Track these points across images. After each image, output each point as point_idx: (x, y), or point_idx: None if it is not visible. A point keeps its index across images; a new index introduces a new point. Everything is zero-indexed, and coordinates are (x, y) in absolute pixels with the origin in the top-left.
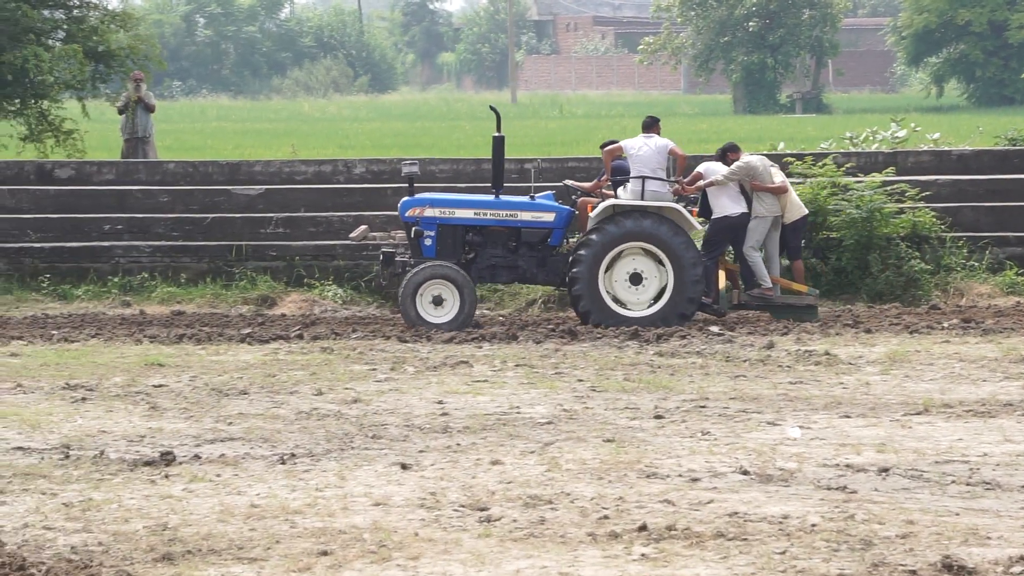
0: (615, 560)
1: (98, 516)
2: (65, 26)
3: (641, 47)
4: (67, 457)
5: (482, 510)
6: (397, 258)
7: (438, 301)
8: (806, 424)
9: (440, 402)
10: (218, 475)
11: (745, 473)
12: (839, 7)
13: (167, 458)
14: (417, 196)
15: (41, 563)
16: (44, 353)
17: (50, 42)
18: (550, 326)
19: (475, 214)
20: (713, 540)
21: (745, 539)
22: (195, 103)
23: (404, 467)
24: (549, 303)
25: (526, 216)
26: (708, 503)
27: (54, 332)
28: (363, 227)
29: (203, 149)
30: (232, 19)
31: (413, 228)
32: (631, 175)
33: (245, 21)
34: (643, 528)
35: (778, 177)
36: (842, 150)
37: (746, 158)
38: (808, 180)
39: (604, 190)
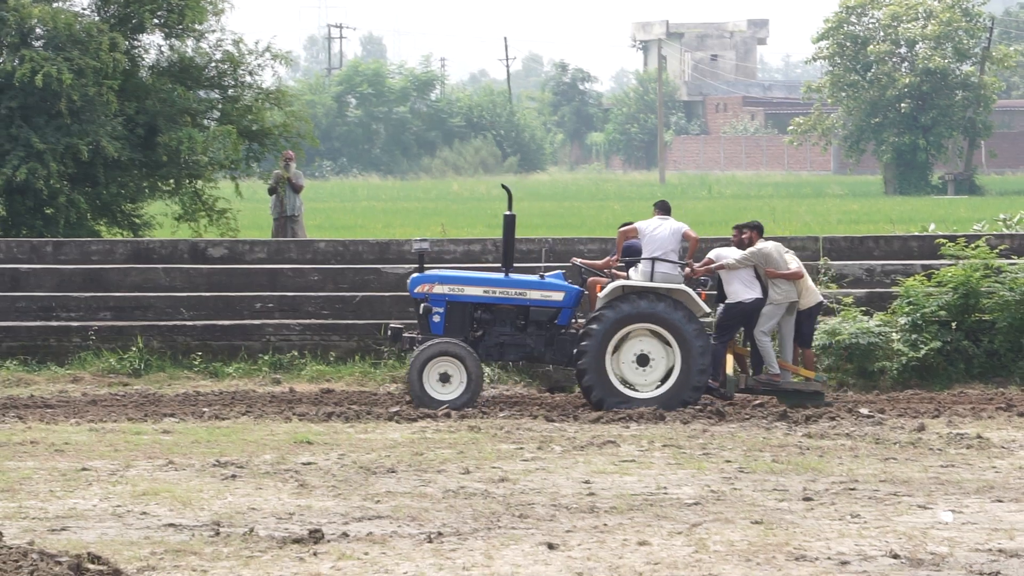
0: None
1: None
2: (220, 106)
3: (791, 127)
4: (217, 534)
5: None
6: (405, 334)
7: (444, 378)
8: (958, 508)
9: (587, 482)
10: (366, 553)
11: (895, 557)
12: (992, 88)
13: (315, 536)
14: (427, 272)
15: None
16: (195, 430)
17: (205, 122)
18: (697, 407)
19: (484, 292)
20: None
21: None
22: (345, 182)
23: (551, 547)
24: None
25: (535, 295)
26: None
27: (205, 409)
28: None
29: (353, 228)
30: (383, 100)
31: (422, 304)
32: (643, 255)
33: (396, 102)
34: None
35: (793, 263)
36: (995, 232)
37: (760, 244)
38: (960, 262)
39: (615, 270)
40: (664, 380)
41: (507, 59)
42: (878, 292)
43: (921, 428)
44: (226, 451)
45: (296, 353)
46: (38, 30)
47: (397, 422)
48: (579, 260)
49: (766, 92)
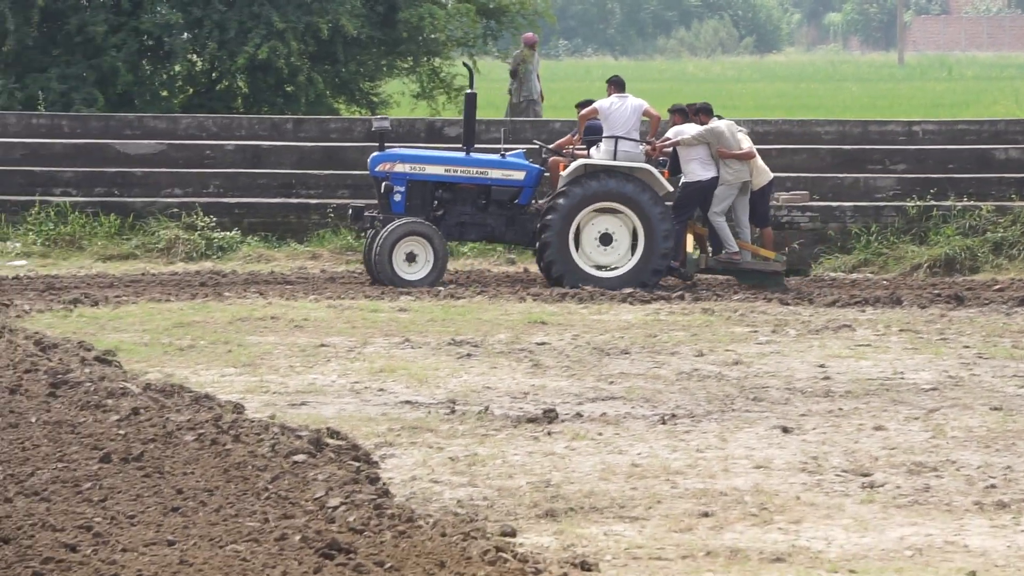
0: (1003, 531)
1: (483, 471)
2: None
3: None
4: (453, 412)
5: (865, 476)
6: (366, 213)
7: (411, 258)
8: None
9: (822, 366)
10: (599, 434)
11: None
12: None
13: (550, 415)
14: (387, 151)
15: (428, 515)
16: (431, 309)
17: (443, 0)
18: (935, 291)
19: (445, 171)
20: None
21: None
22: (580, 62)
23: (785, 430)
24: (935, 268)
25: (496, 174)
26: None
27: (440, 288)
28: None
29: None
30: None
31: (383, 183)
32: (604, 135)
33: None
34: None
35: (745, 143)
36: None
37: (714, 123)
38: None
39: (575, 150)
40: (625, 259)
41: None
42: None
43: None
44: (461, 330)
45: None
46: None
47: (631, 304)
48: (539, 142)
49: None
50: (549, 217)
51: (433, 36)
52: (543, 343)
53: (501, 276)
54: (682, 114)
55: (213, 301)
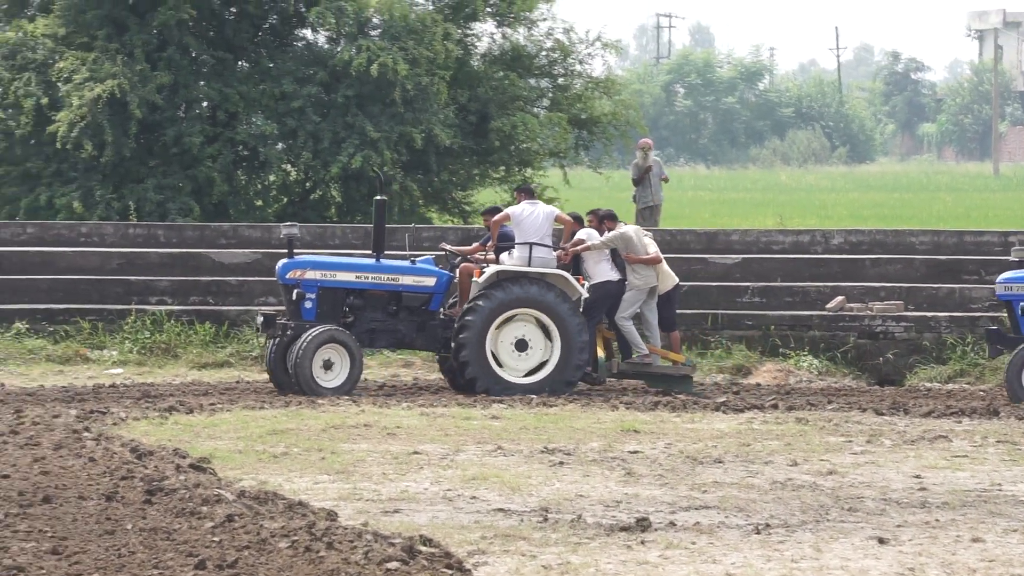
0: None
1: None
2: (550, 94)
3: None
4: (545, 520)
5: None
6: (279, 320)
7: (328, 365)
8: None
9: (918, 476)
10: (693, 543)
11: None
12: None
13: (643, 524)
14: (298, 258)
15: None
16: (523, 417)
17: (535, 110)
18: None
19: (356, 277)
20: None
21: None
22: (672, 172)
23: (881, 541)
24: None
25: (407, 280)
26: None
27: (533, 397)
28: (840, 298)
29: (679, 218)
30: (711, 89)
31: (295, 291)
32: (517, 241)
33: (724, 91)
34: None
35: (652, 248)
36: None
37: (622, 228)
38: None
39: (485, 256)
40: (542, 364)
41: (837, 48)
42: None
43: None
44: (554, 438)
45: None
46: (374, 20)
47: (723, 412)
48: (448, 246)
49: None
50: (468, 319)
51: (525, 146)
52: (636, 451)
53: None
54: (579, 221)
55: (306, 408)
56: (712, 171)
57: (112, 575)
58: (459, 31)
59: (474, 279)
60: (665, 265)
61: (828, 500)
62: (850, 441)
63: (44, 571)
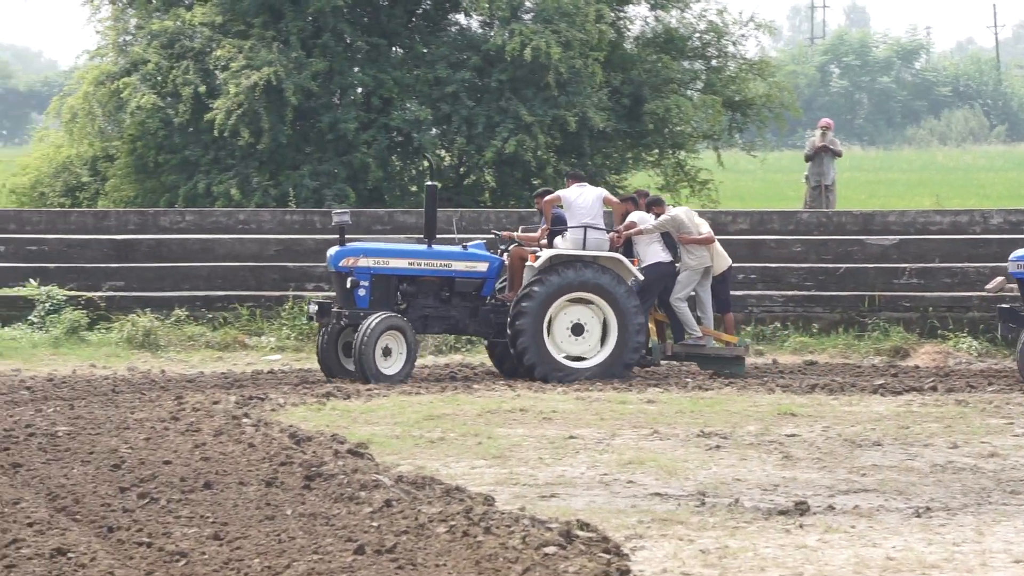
0: None
1: (734, 564)
2: (703, 76)
3: None
4: (703, 504)
5: None
6: (334, 309)
7: (387, 352)
8: None
9: None
10: (852, 527)
11: None
12: None
13: (801, 508)
14: (350, 246)
15: None
16: (679, 401)
17: (688, 93)
18: None
19: (409, 264)
20: None
21: None
22: None
23: None
24: None
25: (460, 266)
26: None
27: (688, 380)
28: (999, 279)
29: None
30: (867, 69)
31: (348, 278)
32: (570, 224)
33: (880, 71)
34: None
35: (704, 228)
36: None
37: (672, 211)
38: None
39: (540, 240)
40: (599, 349)
41: (996, 26)
42: None
43: None
44: (710, 421)
45: (778, 324)
46: (527, 3)
47: (882, 395)
48: (516, 233)
49: None
50: (524, 304)
51: (678, 128)
52: (793, 435)
53: (750, 367)
54: (632, 202)
55: (462, 394)
56: (868, 152)
57: (272, 560)
58: (612, 13)
59: (528, 263)
60: (719, 246)
61: (990, 483)
62: (1011, 423)
63: (206, 556)
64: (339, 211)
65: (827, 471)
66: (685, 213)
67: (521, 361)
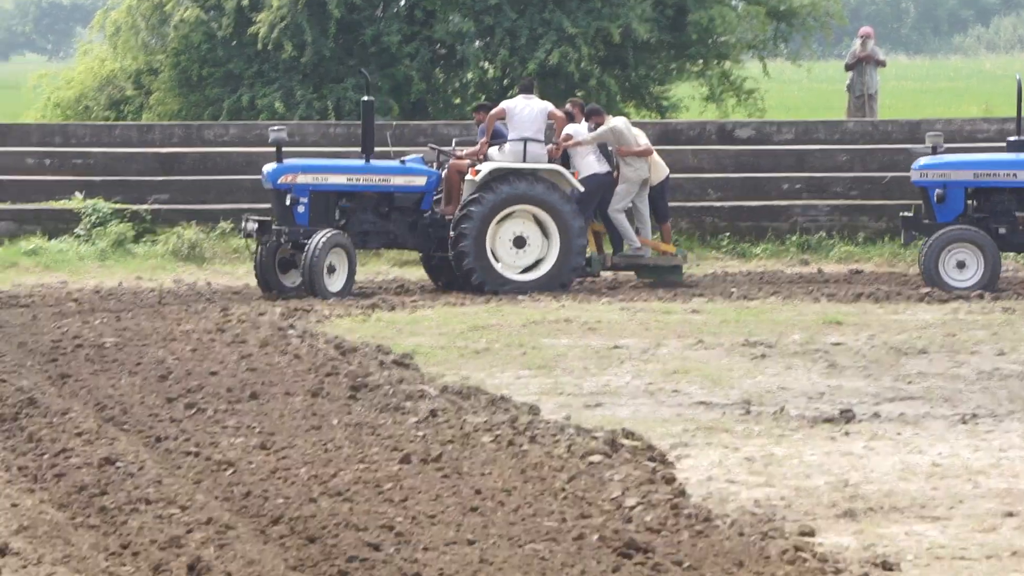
0: None
1: (780, 471)
2: None
3: None
4: (748, 412)
5: None
6: (275, 227)
7: (331, 269)
8: None
9: None
10: (898, 433)
11: None
12: None
13: (847, 415)
14: (288, 162)
15: (725, 515)
16: (724, 310)
17: (733, 3)
18: None
19: (348, 179)
20: None
21: None
22: None
23: None
24: None
25: (399, 181)
26: None
27: (733, 289)
28: None
29: (882, 108)
30: None
31: (288, 195)
32: (510, 137)
33: None
34: None
35: (642, 139)
36: None
37: (611, 122)
38: None
39: (460, 154)
40: (540, 261)
41: None
42: None
43: None
44: (755, 331)
45: (824, 234)
46: None
47: (928, 303)
48: (454, 146)
49: None
50: (465, 225)
51: (723, 39)
52: (839, 343)
53: (794, 276)
54: (568, 116)
55: (507, 304)
56: (914, 60)
57: (319, 469)
58: None
59: (468, 177)
60: (656, 156)
61: None
62: None
63: (253, 465)
64: (275, 127)
65: (873, 379)
66: (624, 124)
67: (464, 275)
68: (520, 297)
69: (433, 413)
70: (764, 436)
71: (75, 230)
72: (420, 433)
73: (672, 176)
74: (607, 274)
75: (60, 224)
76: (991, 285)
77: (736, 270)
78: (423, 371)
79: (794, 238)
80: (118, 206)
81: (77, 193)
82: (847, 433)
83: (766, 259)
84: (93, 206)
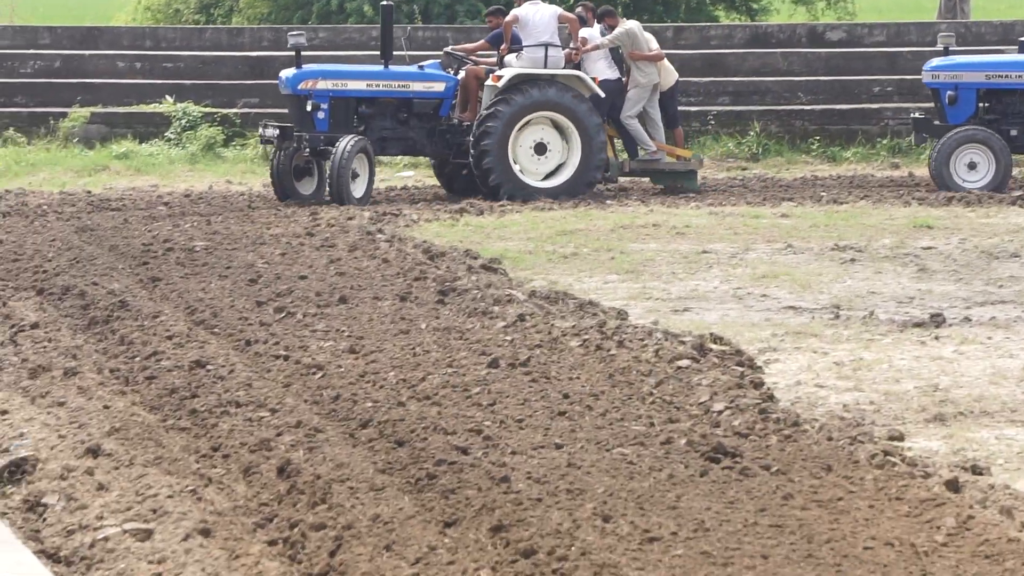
0: None
1: (868, 376)
2: None
3: None
4: (837, 317)
5: None
6: (295, 132)
7: (354, 175)
8: None
9: None
10: (989, 338)
11: None
12: None
13: (937, 320)
14: (307, 68)
15: (814, 420)
16: (813, 214)
17: None
18: None
19: (367, 85)
20: None
21: None
22: None
23: None
24: None
25: (418, 87)
26: None
27: (823, 193)
28: None
29: (974, 9)
30: None
31: (308, 101)
32: (526, 44)
33: None
34: None
35: (653, 44)
36: None
37: (626, 24)
38: None
39: (479, 58)
40: (561, 167)
41: None
42: None
43: None
44: (844, 235)
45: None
46: None
47: (1020, 206)
48: (455, 48)
49: None
50: (490, 124)
51: None
52: (929, 247)
53: (885, 180)
54: (580, 19)
55: (595, 209)
56: None
57: (407, 373)
58: None
59: (489, 83)
60: (667, 61)
61: None
62: None
63: (342, 369)
64: (294, 32)
65: (963, 283)
66: (638, 27)
67: (485, 182)
68: (608, 201)
69: (521, 317)
70: (853, 340)
71: (165, 134)
72: (508, 338)
73: (762, 79)
74: (623, 179)
75: (151, 128)
76: (1002, 187)
77: (826, 174)
78: (511, 276)
79: (885, 142)
80: (208, 110)
81: (167, 97)
82: (937, 337)
83: (856, 163)
84: (183, 110)
